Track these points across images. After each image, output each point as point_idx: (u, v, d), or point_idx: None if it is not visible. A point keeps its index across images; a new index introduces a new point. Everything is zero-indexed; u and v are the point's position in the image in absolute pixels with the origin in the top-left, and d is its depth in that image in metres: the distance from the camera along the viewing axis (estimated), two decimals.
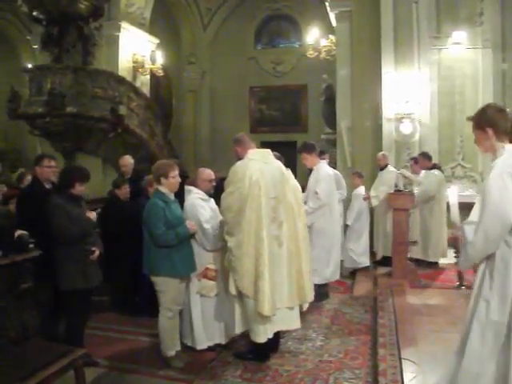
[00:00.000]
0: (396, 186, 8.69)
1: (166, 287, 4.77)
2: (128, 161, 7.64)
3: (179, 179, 4.97)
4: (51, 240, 4.65)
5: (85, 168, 5.17)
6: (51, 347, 3.92)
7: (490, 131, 3.12)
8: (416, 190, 8.70)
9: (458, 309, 6.08)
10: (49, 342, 4.24)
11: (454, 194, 3.43)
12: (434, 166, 8.89)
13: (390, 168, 9.23)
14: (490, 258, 3.03)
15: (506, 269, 2.94)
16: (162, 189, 4.88)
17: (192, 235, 4.94)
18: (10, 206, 6.35)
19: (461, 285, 7.24)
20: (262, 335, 4.68)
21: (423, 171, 8.96)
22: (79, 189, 4.86)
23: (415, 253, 8.85)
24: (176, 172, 4.90)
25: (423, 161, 8.96)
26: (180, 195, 5.27)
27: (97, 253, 4.90)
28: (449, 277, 8.01)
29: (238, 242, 4.56)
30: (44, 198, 4.88)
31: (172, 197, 4.97)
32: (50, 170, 5.38)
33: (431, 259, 8.80)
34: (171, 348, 4.91)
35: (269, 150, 5.09)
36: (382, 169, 9.26)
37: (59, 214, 4.66)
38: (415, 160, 9.22)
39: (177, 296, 4.88)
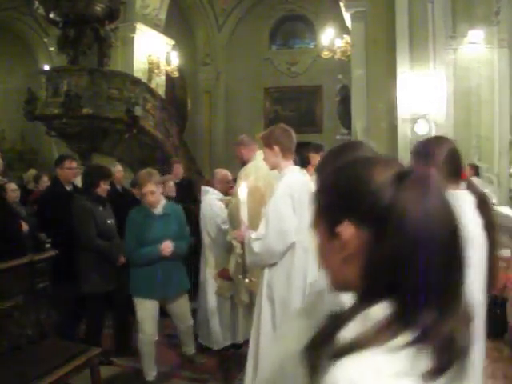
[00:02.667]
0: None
1: (137, 306, 4.48)
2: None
3: (153, 195, 4.35)
4: (73, 241, 4.68)
5: (106, 166, 5.20)
6: (67, 346, 3.95)
7: (276, 149, 3.48)
8: None
9: None
10: (66, 341, 4.28)
11: (243, 192, 3.53)
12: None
13: None
14: (272, 266, 3.34)
15: (288, 279, 3.26)
16: (143, 203, 4.44)
17: (166, 257, 4.36)
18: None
19: None
20: None
21: None
22: (104, 187, 4.86)
23: None
24: (150, 188, 4.27)
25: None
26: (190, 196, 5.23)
27: (122, 259, 4.88)
28: None
29: None
30: (65, 200, 4.92)
31: (158, 211, 4.43)
32: (71, 172, 5.36)
33: None
34: (151, 370, 4.53)
35: None
36: None
37: (85, 216, 4.65)
38: None
39: (147, 319, 4.45)
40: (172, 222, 4.49)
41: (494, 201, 9.56)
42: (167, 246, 4.32)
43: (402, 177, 0.93)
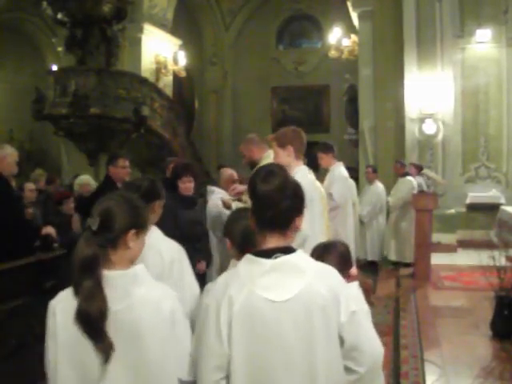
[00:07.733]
0: (420, 186, 8.59)
1: None
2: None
3: None
4: None
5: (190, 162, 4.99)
6: None
7: (291, 148, 3.71)
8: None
9: (481, 311, 6.00)
10: None
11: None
12: (406, 174, 8.80)
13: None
14: None
15: None
16: None
17: None
18: (64, 207, 6.23)
19: None
20: None
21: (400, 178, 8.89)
22: (188, 184, 4.63)
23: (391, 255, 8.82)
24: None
25: (400, 167, 8.94)
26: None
27: (202, 266, 4.67)
28: (472, 279, 7.91)
29: None
30: None
31: None
32: (125, 171, 5.23)
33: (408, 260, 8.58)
34: None
35: None
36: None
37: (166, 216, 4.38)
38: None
39: None
40: None
41: (502, 201, 9.52)
42: None
43: None
